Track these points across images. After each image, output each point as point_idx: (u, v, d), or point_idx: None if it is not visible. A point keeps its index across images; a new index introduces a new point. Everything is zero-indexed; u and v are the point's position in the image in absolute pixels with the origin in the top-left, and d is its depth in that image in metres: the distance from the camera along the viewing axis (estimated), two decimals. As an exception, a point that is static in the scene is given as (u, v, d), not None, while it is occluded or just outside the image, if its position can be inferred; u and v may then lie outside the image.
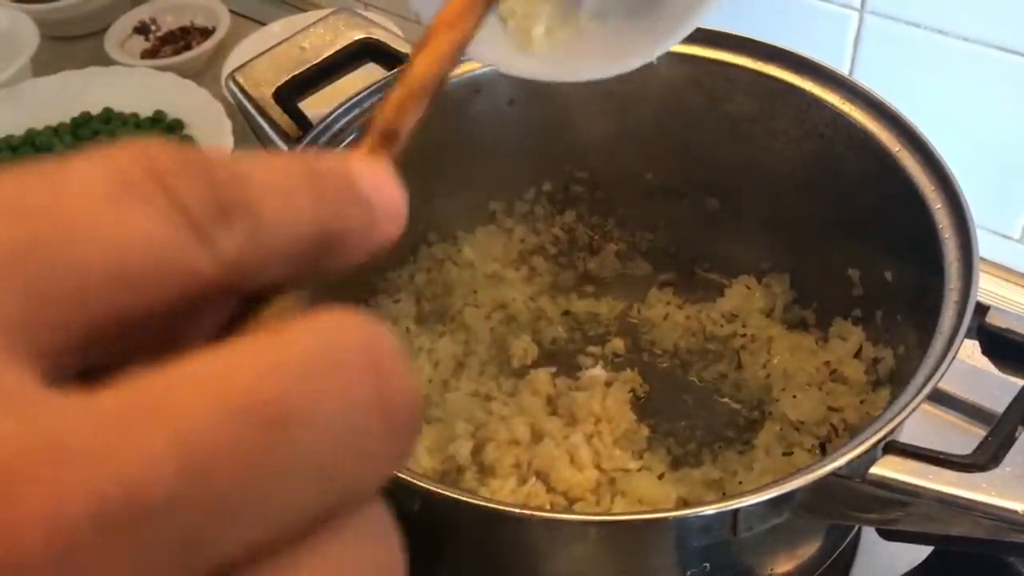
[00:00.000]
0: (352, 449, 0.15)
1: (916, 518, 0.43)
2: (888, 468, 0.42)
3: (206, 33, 1.05)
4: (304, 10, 1.06)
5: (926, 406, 0.60)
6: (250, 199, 0.16)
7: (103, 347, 0.15)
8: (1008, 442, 0.42)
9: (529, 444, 0.62)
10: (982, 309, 0.49)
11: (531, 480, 0.59)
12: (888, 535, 0.51)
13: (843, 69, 0.73)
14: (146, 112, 0.93)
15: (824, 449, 0.61)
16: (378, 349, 0.15)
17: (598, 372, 0.68)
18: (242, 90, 0.62)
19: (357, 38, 0.65)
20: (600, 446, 0.62)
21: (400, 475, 0.43)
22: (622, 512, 0.57)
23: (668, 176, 0.71)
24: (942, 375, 0.45)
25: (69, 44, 1.09)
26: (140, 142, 0.15)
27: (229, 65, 0.93)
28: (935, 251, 0.51)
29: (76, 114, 0.92)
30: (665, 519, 0.46)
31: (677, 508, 0.57)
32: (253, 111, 0.62)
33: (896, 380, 0.59)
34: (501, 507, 0.44)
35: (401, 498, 0.43)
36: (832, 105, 0.59)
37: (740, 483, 0.60)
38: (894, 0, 0.69)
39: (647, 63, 0.41)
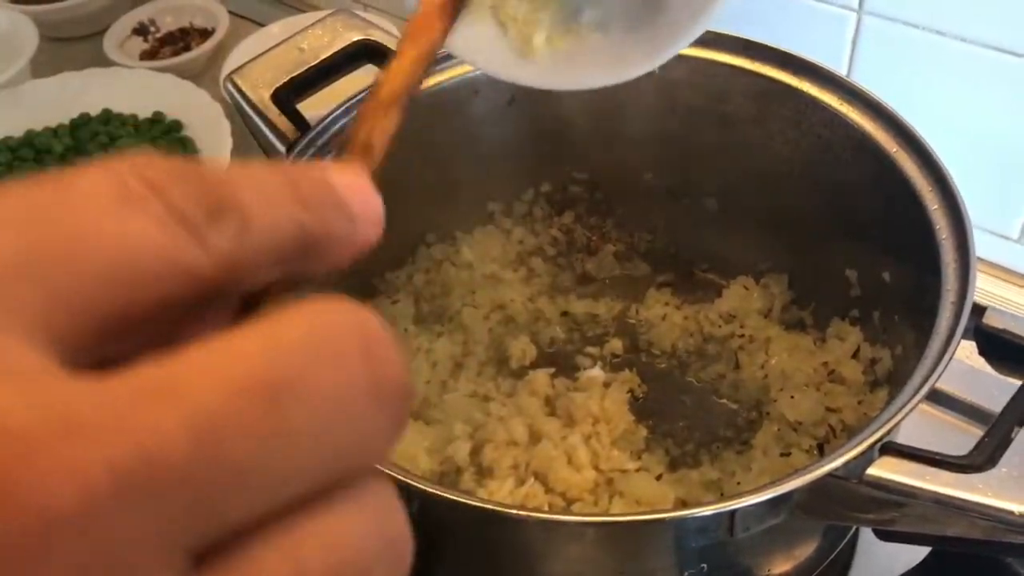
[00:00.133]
0: (347, 423, 0.16)
1: (913, 519, 0.43)
2: (885, 469, 0.42)
3: (205, 34, 1.05)
4: (303, 11, 1.06)
5: (924, 406, 0.60)
6: (238, 202, 0.18)
7: (112, 343, 0.17)
8: (1005, 443, 0.42)
9: (527, 445, 0.62)
10: (979, 310, 0.49)
11: (529, 481, 0.60)
12: (885, 536, 0.51)
13: (841, 70, 0.73)
14: (145, 113, 0.93)
15: (822, 450, 0.61)
16: (368, 332, 0.17)
17: (596, 373, 0.68)
18: (240, 91, 0.62)
19: (355, 39, 0.65)
20: (598, 447, 0.62)
21: (398, 476, 0.43)
22: (620, 513, 0.58)
23: (667, 177, 0.71)
24: (939, 376, 0.45)
25: (68, 45, 1.09)
26: (137, 154, 0.17)
27: (228, 66, 0.93)
28: (932, 252, 0.51)
29: (75, 115, 0.92)
30: (663, 520, 0.46)
31: (675, 509, 0.57)
32: (251, 112, 0.62)
33: (894, 380, 0.59)
34: (499, 508, 0.44)
35: (399, 499, 0.43)
36: (830, 106, 0.59)
37: (738, 484, 0.60)
38: (892, 1, 0.69)
39: (648, 72, 0.41)
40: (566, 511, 0.58)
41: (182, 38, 1.06)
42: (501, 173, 0.71)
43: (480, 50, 0.41)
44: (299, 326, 0.16)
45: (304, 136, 0.60)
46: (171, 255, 0.16)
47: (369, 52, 0.65)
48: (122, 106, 0.93)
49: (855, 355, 0.63)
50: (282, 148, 0.61)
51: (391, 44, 0.66)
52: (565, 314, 0.72)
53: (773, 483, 0.42)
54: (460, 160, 0.68)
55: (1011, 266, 0.76)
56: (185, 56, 1.01)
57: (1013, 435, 0.43)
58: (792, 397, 0.63)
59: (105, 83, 0.95)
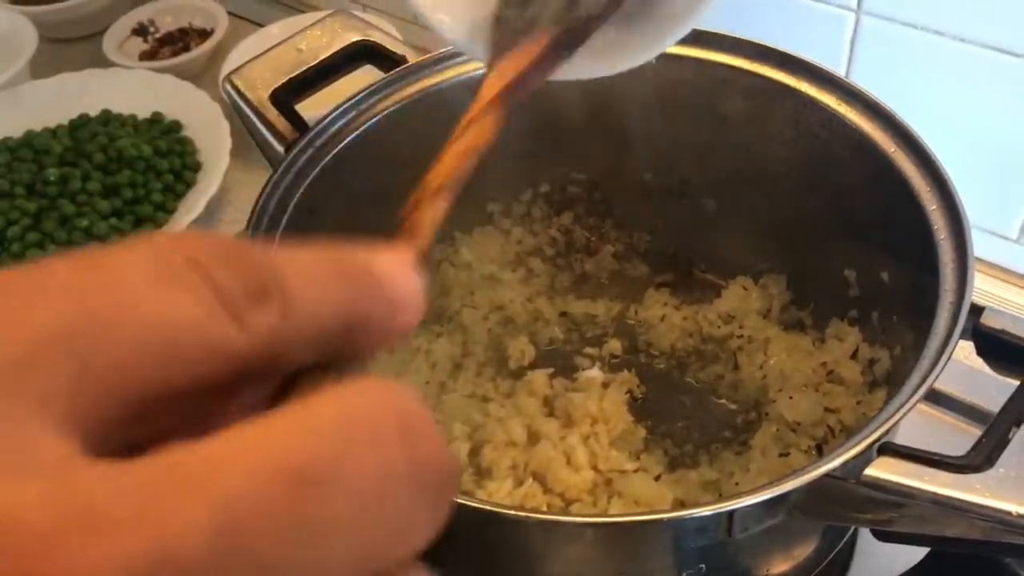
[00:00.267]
0: (383, 512, 0.15)
1: (911, 519, 0.43)
2: (883, 469, 0.42)
3: (204, 35, 1.05)
4: (302, 12, 1.07)
5: (922, 406, 0.60)
6: (281, 284, 0.17)
7: (146, 423, 0.16)
8: (1003, 443, 0.42)
9: (526, 445, 0.62)
10: (977, 310, 0.49)
11: (528, 481, 0.60)
12: (883, 536, 0.51)
13: (839, 70, 0.73)
14: (144, 114, 0.93)
15: (821, 450, 0.61)
16: (406, 412, 0.16)
17: (595, 373, 0.68)
18: (238, 92, 0.62)
19: (354, 40, 0.65)
20: (597, 447, 0.62)
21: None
22: (618, 513, 0.58)
23: (665, 177, 0.71)
24: (937, 376, 0.45)
25: (67, 46, 1.10)
26: (181, 232, 0.17)
27: (227, 66, 0.93)
28: (931, 252, 0.51)
29: (74, 116, 0.92)
30: (661, 520, 0.46)
31: (673, 509, 0.57)
32: (249, 113, 0.62)
33: (892, 381, 0.59)
34: (498, 509, 0.44)
35: None
36: (828, 106, 0.59)
37: (737, 484, 0.60)
38: (890, 1, 0.69)
39: (643, 64, 0.41)
40: (565, 512, 0.58)
41: (181, 38, 1.06)
42: (500, 173, 0.71)
43: (474, 43, 0.41)
44: (333, 409, 0.16)
45: (303, 137, 0.60)
46: (210, 334, 0.16)
47: (368, 53, 0.65)
48: (121, 107, 0.93)
49: (854, 355, 0.63)
50: (280, 148, 0.61)
51: (390, 45, 0.66)
52: (564, 314, 0.72)
53: (771, 484, 0.42)
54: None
55: (1009, 266, 0.76)
56: (184, 56, 1.01)
57: (1011, 435, 0.43)
58: (791, 397, 0.63)
59: (104, 84, 0.95)
